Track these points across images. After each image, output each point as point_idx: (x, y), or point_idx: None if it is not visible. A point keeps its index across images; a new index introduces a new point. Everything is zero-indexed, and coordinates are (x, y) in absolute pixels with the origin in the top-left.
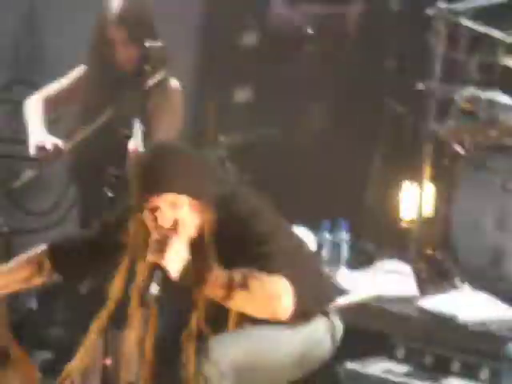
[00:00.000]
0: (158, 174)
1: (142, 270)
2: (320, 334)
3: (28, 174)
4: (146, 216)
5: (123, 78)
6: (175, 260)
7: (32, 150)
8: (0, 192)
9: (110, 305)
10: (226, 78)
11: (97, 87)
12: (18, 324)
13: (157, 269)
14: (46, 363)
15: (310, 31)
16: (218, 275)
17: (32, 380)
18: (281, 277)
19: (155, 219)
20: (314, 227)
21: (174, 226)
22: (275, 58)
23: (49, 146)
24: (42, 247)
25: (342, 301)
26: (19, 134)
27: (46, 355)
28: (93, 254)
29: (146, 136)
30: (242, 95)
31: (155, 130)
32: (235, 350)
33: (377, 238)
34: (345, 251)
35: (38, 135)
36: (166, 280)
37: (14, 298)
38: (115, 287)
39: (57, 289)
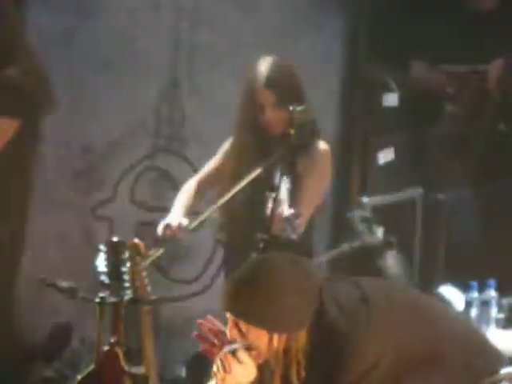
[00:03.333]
0: (230, 295)
1: None
2: None
3: (156, 252)
4: None
5: (271, 142)
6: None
7: (159, 230)
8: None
9: None
10: (368, 140)
11: (245, 151)
12: None
13: None
14: None
15: (450, 91)
16: None
17: None
18: None
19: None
20: (463, 286)
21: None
22: (417, 118)
23: (174, 225)
24: None
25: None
26: (162, 201)
27: None
28: None
29: (293, 199)
30: (385, 157)
31: (302, 192)
32: None
33: None
34: (494, 310)
35: (170, 217)
36: None
37: (164, 367)
38: None
39: (205, 357)
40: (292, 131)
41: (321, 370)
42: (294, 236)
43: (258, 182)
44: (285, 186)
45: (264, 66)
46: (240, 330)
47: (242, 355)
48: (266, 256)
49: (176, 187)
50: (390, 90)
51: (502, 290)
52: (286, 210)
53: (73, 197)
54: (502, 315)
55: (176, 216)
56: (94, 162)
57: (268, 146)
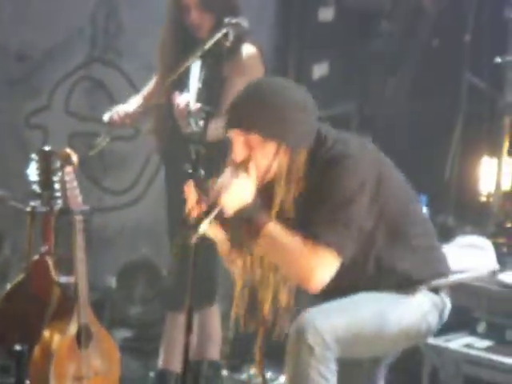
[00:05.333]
0: (235, 108)
1: None
2: (426, 308)
3: (100, 140)
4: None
5: (197, 44)
6: (234, 198)
7: (106, 117)
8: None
9: None
10: (303, 53)
11: (172, 51)
12: (99, 302)
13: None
14: (126, 341)
15: (385, 7)
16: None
17: (113, 358)
18: (328, 250)
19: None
20: None
21: (245, 165)
22: (351, 33)
23: (120, 112)
24: None
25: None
26: (97, 112)
27: (125, 333)
28: None
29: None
30: (320, 70)
31: (227, 90)
32: (339, 321)
33: (456, 213)
34: None
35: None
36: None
37: (94, 277)
38: None
39: (136, 267)
40: (226, 43)
41: (319, 188)
42: (197, 129)
43: (179, 84)
44: (198, 84)
45: None
46: (247, 147)
47: (251, 167)
48: (265, 77)
49: (110, 98)
50: (325, 4)
51: (434, 207)
52: (192, 105)
53: (7, 105)
54: None
55: (124, 105)
56: (29, 69)
57: (194, 48)
